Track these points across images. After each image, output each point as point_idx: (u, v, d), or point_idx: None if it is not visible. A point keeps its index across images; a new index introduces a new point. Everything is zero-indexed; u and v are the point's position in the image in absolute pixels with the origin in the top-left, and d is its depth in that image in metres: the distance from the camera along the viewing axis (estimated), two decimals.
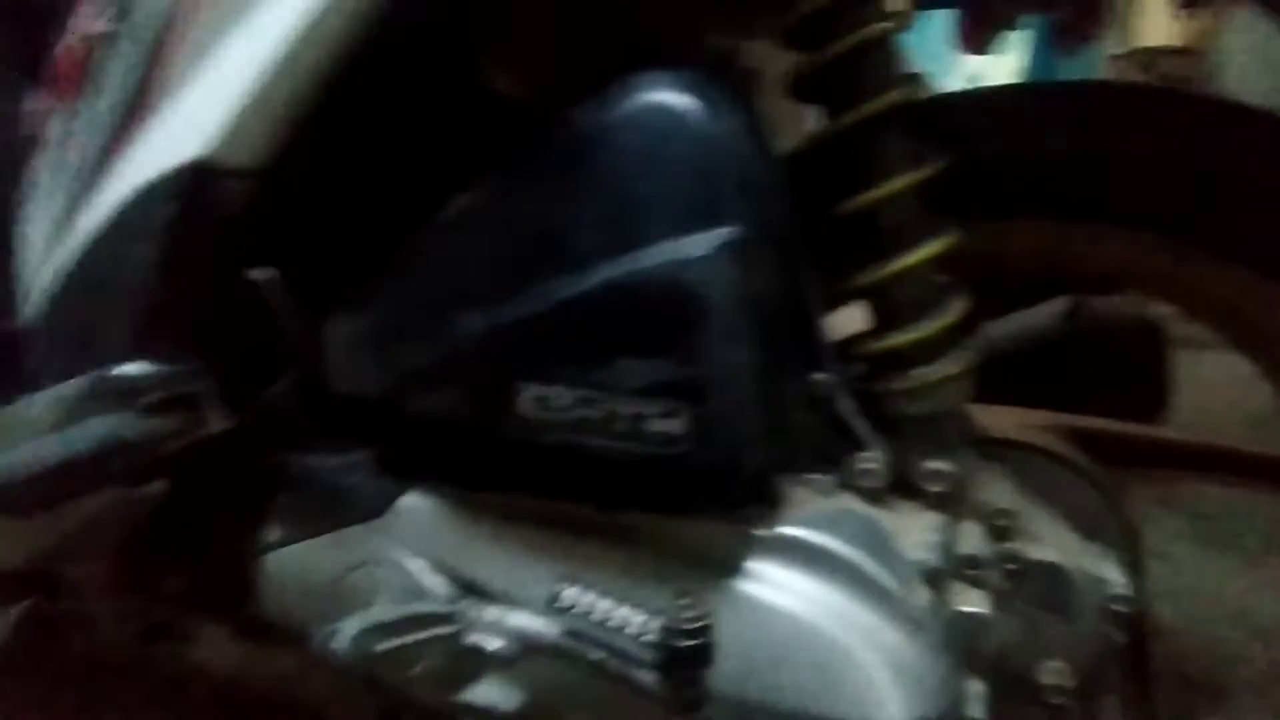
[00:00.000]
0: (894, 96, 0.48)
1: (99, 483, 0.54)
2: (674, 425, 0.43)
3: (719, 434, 0.44)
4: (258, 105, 0.46)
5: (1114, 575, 0.57)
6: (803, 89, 0.52)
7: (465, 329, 0.47)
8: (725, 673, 0.46)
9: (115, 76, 0.54)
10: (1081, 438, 0.65)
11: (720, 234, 0.42)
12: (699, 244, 0.41)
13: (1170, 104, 0.55)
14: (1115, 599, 0.56)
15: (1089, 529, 0.61)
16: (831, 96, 0.50)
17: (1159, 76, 2.62)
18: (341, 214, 0.53)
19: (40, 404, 0.55)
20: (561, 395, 0.44)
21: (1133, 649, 0.63)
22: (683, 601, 0.41)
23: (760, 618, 0.48)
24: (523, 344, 0.46)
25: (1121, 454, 0.66)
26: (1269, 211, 0.52)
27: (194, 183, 0.47)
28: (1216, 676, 1.01)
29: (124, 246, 0.52)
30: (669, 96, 0.43)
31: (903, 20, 0.49)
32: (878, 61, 0.48)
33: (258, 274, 0.50)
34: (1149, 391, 0.85)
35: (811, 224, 0.51)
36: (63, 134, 0.61)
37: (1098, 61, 2.49)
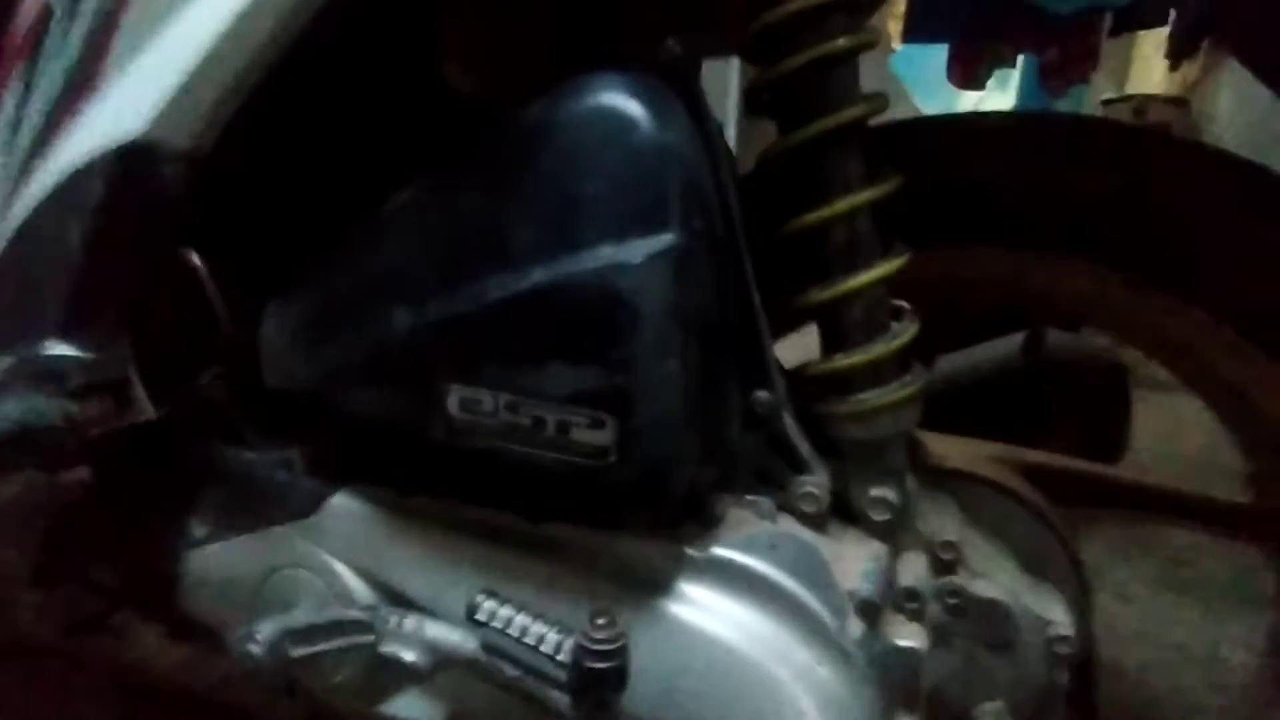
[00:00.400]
0: (848, 114, 0.47)
1: (16, 464, 0.52)
2: (602, 436, 0.42)
3: (647, 448, 0.42)
4: (196, 88, 0.44)
5: (1060, 615, 0.56)
6: (759, 103, 0.51)
7: (397, 326, 0.45)
8: (643, 697, 0.44)
9: (62, 53, 0.53)
10: (1035, 473, 0.64)
11: (659, 241, 0.40)
12: (637, 250, 0.40)
13: (1136, 142, 0.55)
14: (1060, 640, 0.55)
15: (1037, 567, 0.60)
16: (786, 111, 0.49)
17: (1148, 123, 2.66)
18: (281, 203, 0.52)
19: None
20: (489, 399, 0.43)
21: (1078, 692, 0.61)
22: (599, 621, 0.40)
23: (685, 642, 0.46)
24: (452, 344, 0.44)
25: (1075, 492, 0.65)
26: (1226, 255, 0.51)
27: (128, 163, 0.46)
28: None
29: (57, 225, 0.50)
30: (617, 99, 0.42)
31: (864, 39, 0.48)
32: (833, 78, 0.47)
33: (191, 260, 0.48)
34: (1108, 431, 0.85)
35: (762, 240, 0.50)
36: (11, 110, 0.60)
37: (1086, 104, 2.52)
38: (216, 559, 0.56)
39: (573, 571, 0.48)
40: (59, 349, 0.51)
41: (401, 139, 0.51)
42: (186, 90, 0.44)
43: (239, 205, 0.51)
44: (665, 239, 0.41)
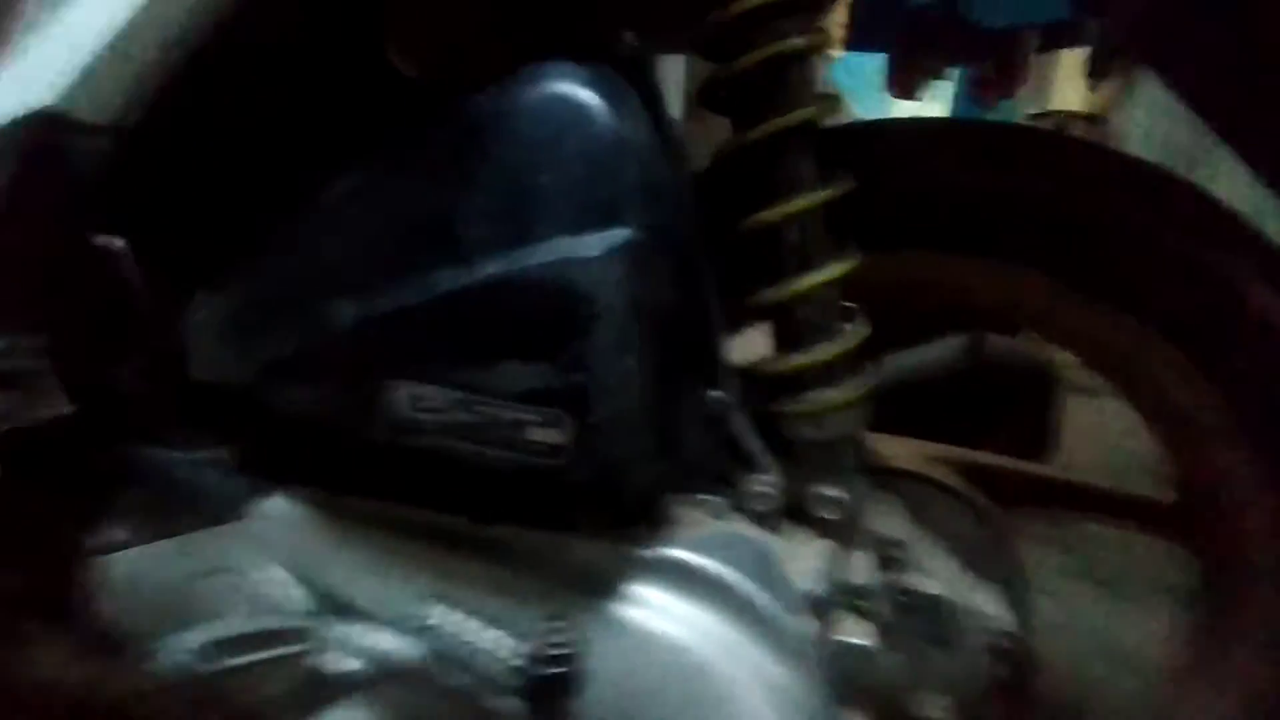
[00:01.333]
0: (802, 114, 0.47)
1: None
2: (555, 435, 0.41)
3: (602, 447, 0.41)
4: (115, 58, 0.41)
5: (998, 610, 0.58)
6: (713, 100, 0.51)
7: (339, 319, 0.43)
8: (597, 700, 0.43)
9: None
10: (975, 472, 0.66)
11: (615, 235, 0.40)
12: (592, 244, 0.39)
13: (1062, 150, 0.56)
14: (999, 634, 0.57)
15: (976, 562, 0.61)
16: (741, 109, 0.49)
17: None
18: (211, 185, 0.48)
19: None
20: (437, 396, 0.41)
21: (1012, 683, 0.63)
22: (551, 625, 0.39)
23: (638, 643, 0.45)
24: (398, 338, 0.42)
25: (1012, 491, 0.67)
26: (1146, 259, 0.53)
27: (37, 134, 0.42)
28: (1087, 707, 1.05)
29: None
30: (574, 88, 0.41)
31: (817, 40, 0.48)
32: (787, 78, 0.48)
33: (109, 243, 0.45)
34: (1038, 431, 0.88)
35: (717, 238, 0.50)
36: None
37: (1014, 119, 2.62)
38: (136, 565, 0.53)
39: (525, 574, 0.46)
40: None
41: (345, 123, 0.49)
42: (104, 60, 0.41)
43: (168, 188, 0.48)
44: (622, 233, 0.40)
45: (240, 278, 0.47)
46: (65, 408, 0.48)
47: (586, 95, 0.41)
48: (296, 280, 0.45)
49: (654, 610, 0.46)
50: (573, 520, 0.46)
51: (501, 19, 0.51)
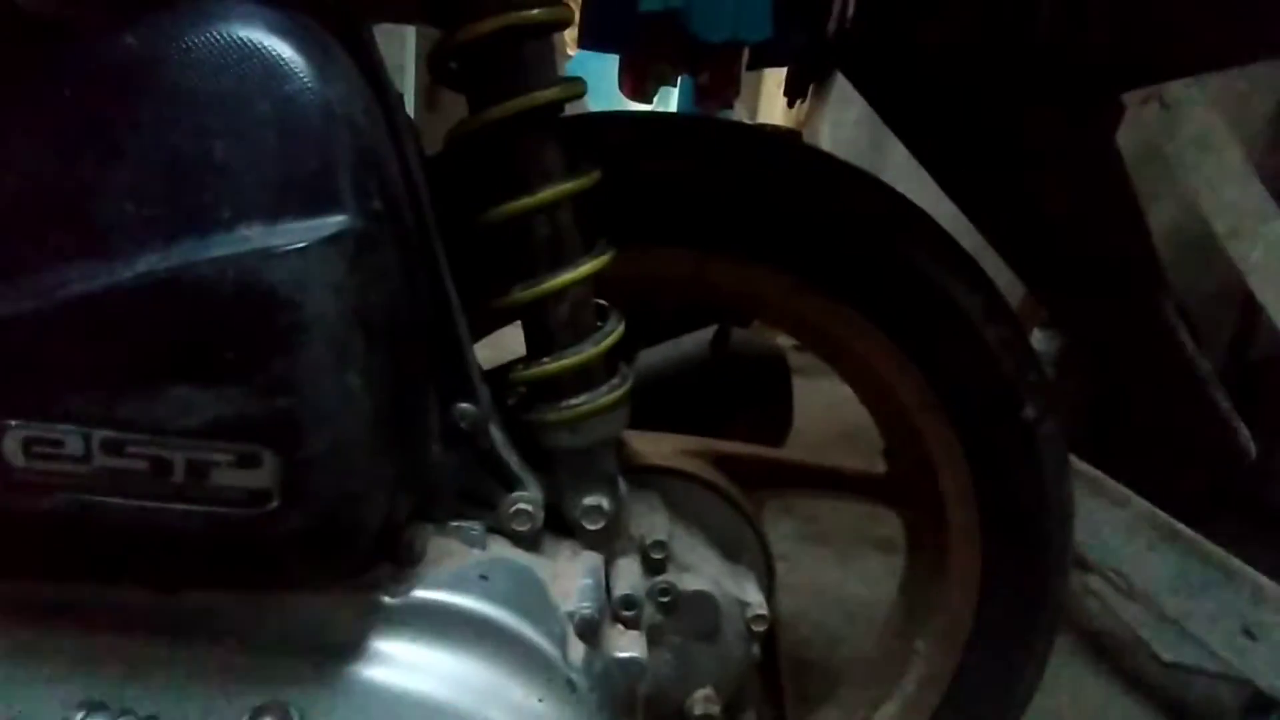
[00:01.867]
0: (543, 95, 0.43)
1: None
2: (258, 477, 0.32)
3: (321, 485, 0.33)
4: None
5: (754, 596, 0.59)
6: (442, 72, 0.44)
7: None
8: None
9: None
10: (723, 461, 0.67)
11: (326, 224, 0.32)
12: (294, 234, 0.31)
13: (770, 147, 0.59)
14: (756, 619, 0.58)
15: (733, 551, 0.63)
16: (476, 85, 0.44)
17: None
18: None
19: None
20: (73, 439, 0.30)
21: (766, 660, 0.66)
22: (272, 706, 0.30)
23: (385, 710, 0.38)
24: (15, 355, 0.30)
25: (756, 475, 0.70)
26: (865, 258, 0.58)
27: None
28: (825, 658, 1.17)
29: None
30: (260, 35, 0.32)
31: (557, 14, 0.44)
32: (528, 53, 0.43)
33: None
34: (777, 415, 0.94)
35: (455, 230, 0.44)
36: None
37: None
38: None
39: (230, 649, 0.37)
40: None
41: None
42: None
43: None
44: (336, 221, 0.32)
45: None
46: None
47: (278, 44, 0.32)
48: None
49: (400, 667, 0.39)
50: (291, 574, 0.37)
51: None
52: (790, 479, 0.74)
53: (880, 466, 0.74)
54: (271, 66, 0.32)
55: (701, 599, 0.55)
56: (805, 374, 1.12)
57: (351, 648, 0.39)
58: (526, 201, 0.44)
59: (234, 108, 0.32)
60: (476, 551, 0.44)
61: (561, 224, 0.46)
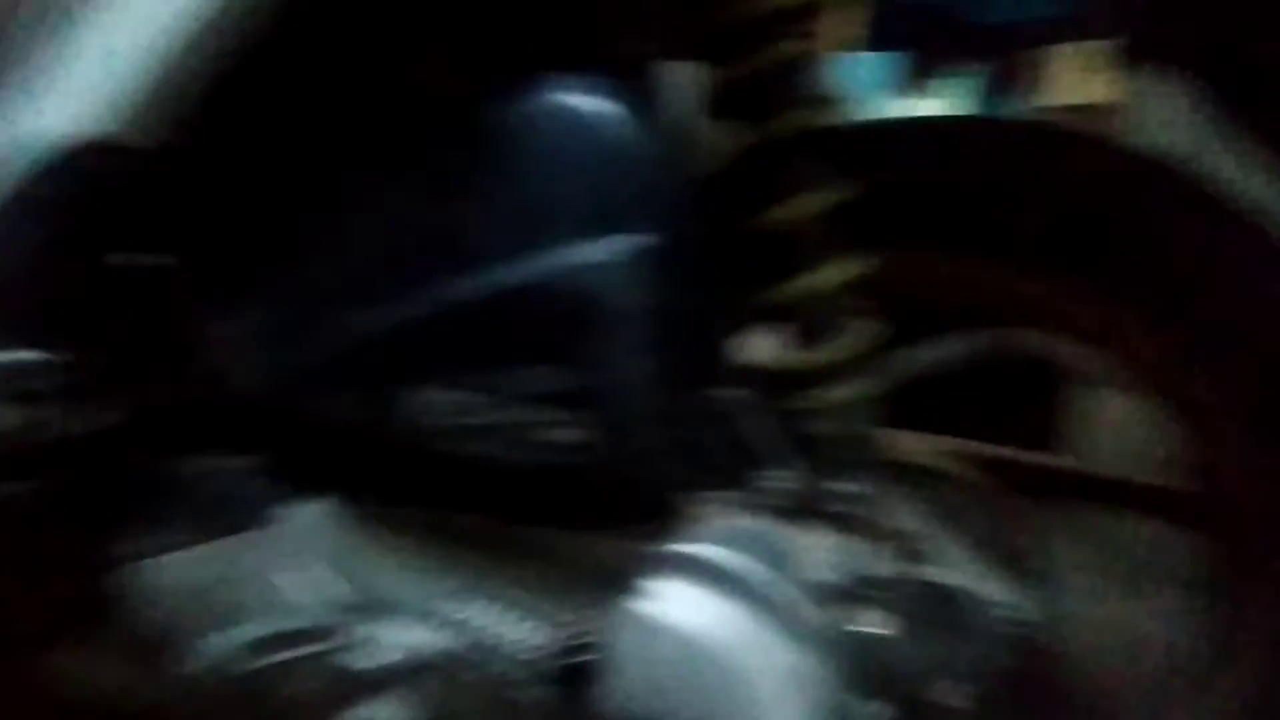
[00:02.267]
0: (809, 116, 0.48)
1: None
2: (570, 435, 0.42)
3: (617, 447, 0.43)
4: (153, 79, 0.43)
5: (1009, 598, 0.58)
6: (718, 104, 0.52)
7: (360, 328, 0.45)
8: (621, 687, 0.44)
9: (23, 40, 0.51)
10: (988, 465, 0.66)
11: (621, 240, 0.41)
12: (598, 250, 0.41)
13: (1064, 145, 0.57)
14: (1010, 621, 0.57)
15: (992, 554, 0.62)
16: (747, 112, 0.50)
17: None
18: (239, 201, 0.50)
19: None
20: (455, 401, 0.43)
21: (1030, 673, 0.64)
22: (570, 619, 0.40)
23: (657, 635, 0.46)
24: (417, 346, 0.44)
25: (1026, 482, 0.68)
26: (1145, 253, 0.54)
27: (83, 158, 0.44)
28: (1097, 697, 1.04)
29: (5, 224, 0.48)
30: (579, 99, 0.43)
31: (824, 42, 0.49)
32: (794, 79, 0.49)
33: (143, 260, 0.47)
34: (1046, 425, 0.88)
35: (724, 240, 0.51)
36: None
37: (1033, 113, 2.60)
38: (174, 570, 0.55)
39: (551, 571, 0.48)
40: (10, 354, 0.49)
41: (364, 138, 0.50)
42: (141, 83, 0.43)
43: (197, 205, 0.50)
44: (628, 238, 0.42)
45: (270, 290, 0.49)
46: (109, 419, 0.50)
47: (591, 106, 0.42)
48: (322, 292, 0.47)
49: (669, 603, 0.47)
50: (590, 518, 0.47)
51: (512, 36, 0.53)
52: (1067, 489, 0.70)
53: (1180, 482, 0.67)
54: (587, 122, 0.42)
55: (949, 591, 0.56)
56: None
57: (627, 584, 0.48)
58: (789, 211, 0.50)
59: (561, 156, 0.43)
60: (730, 519, 0.51)
61: (821, 230, 0.51)
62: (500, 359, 0.43)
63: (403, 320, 0.44)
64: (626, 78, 0.44)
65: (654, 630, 0.47)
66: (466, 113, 0.45)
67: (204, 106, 0.44)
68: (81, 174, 0.46)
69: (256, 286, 0.49)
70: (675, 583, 0.48)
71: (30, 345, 0.49)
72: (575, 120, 0.42)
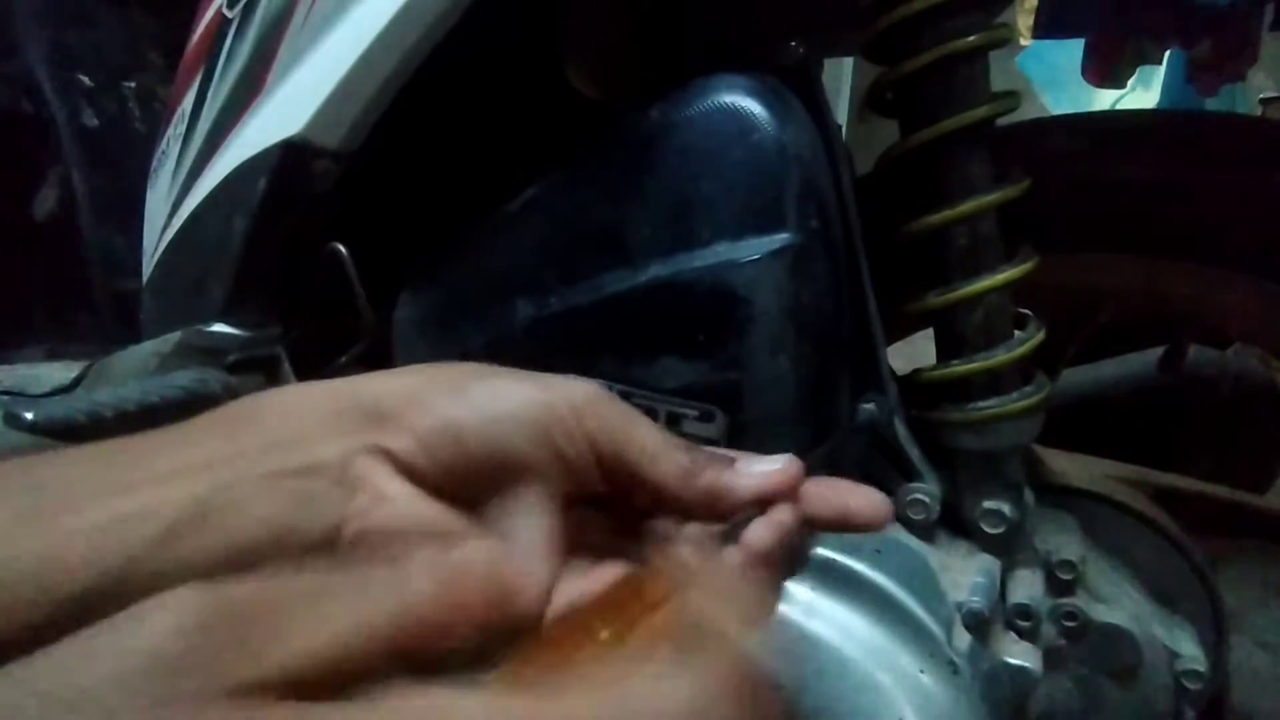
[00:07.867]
0: (972, 115, 0.46)
1: None
2: (711, 429, 0.43)
3: (754, 443, 0.43)
4: (349, 92, 0.48)
5: (1189, 648, 0.53)
6: (881, 103, 0.50)
7: (518, 316, 0.48)
8: None
9: (234, 61, 0.59)
10: (1169, 497, 0.60)
11: (774, 240, 0.41)
12: (752, 248, 0.41)
13: (1272, 140, 0.50)
14: (1189, 674, 0.52)
15: (1167, 595, 0.56)
16: (908, 111, 0.49)
17: None
18: (419, 198, 0.55)
19: (141, 353, 0.60)
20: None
21: None
22: None
23: (788, 642, 0.46)
24: (570, 335, 0.46)
25: (1215, 520, 0.61)
26: None
27: (286, 160, 0.51)
28: None
29: (221, 217, 0.56)
30: (737, 99, 0.43)
31: (990, 37, 0.46)
32: (957, 78, 0.46)
33: (338, 251, 0.52)
34: (1256, 457, 0.77)
35: (881, 242, 0.49)
36: (186, 113, 0.67)
37: (1242, 104, 2.30)
38: None
39: None
40: (220, 328, 0.56)
41: (528, 139, 0.54)
42: (340, 94, 0.48)
43: (380, 200, 0.55)
44: (781, 238, 0.41)
45: (439, 279, 0.53)
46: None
47: (749, 105, 0.42)
48: (485, 282, 0.51)
49: (805, 609, 0.47)
50: None
51: (670, 34, 0.54)
52: (1256, 528, 0.62)
53: None
54: (743, 121, 0.42)
55: (1115, 633, 0.51)
56: None
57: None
58: (947, 214, 0.48)
59: (715, 155, 0.43)
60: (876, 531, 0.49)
61: (981, 233, 0.48)
62: (646, 350, 0.44)
63: (556, 310, 0.46)
64: (784, 76, 0.44)
65: (789, 636, 0.46)
66: (631, 114, 0.46)
67: (394, 114, 0.49)
68: (287, 171, 0.52)
69: (430, 274, 0.54)
70: (814, 589, 0.47)
71: (238, 321, 0.56)
72: (731, 119, 0.42)
